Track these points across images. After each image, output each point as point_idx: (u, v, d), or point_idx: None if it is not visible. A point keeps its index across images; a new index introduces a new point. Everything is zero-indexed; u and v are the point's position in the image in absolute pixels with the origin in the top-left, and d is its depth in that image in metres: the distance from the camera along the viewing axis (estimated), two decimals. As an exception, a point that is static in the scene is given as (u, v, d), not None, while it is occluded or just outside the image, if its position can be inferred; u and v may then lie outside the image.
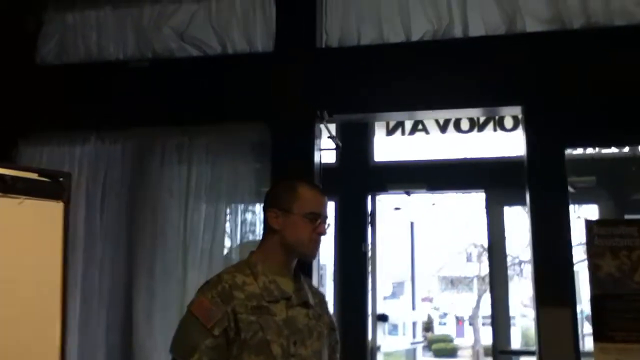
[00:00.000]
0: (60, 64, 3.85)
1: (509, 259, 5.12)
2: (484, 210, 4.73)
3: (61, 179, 2.53)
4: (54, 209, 2.49)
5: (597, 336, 2.91)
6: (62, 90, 3.76)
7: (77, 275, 3.58)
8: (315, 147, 3.33)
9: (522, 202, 3.38)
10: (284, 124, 3.38)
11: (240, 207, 3.58)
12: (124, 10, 3.85)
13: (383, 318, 4.96)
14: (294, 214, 1.94)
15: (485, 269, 20.51)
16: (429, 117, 4.67)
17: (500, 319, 4.68)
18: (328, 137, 3.57)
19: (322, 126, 3.43)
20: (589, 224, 3.00)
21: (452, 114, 4.12)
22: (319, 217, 1.96)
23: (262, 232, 2.06)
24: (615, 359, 2.87)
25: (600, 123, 3.10)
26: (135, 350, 3.45)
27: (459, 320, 24.09)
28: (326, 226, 1.99)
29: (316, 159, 3.37)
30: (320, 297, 2.08)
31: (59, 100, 3.74)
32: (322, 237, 1.99)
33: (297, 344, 1.88)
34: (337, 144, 3.65)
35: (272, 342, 1.83)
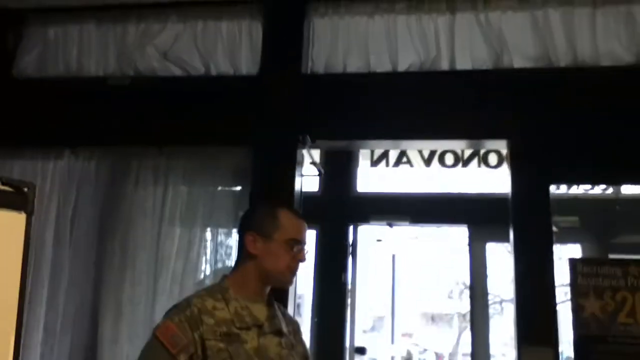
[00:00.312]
0: (38, 77, 3.76)
1: (490, 297, 5.05)
2: (467, 246, 4.67)
3: (25, 190, 2.41)
4: (15, 220, 2.37)
5: (580, 378, 2.83)
6: (39, 103, 3.67)
7: (42, 294, 3.46)
8: (297, 173, 3.26)
9: (505, 239, 3.32)
10: (265, 148, 3.31)
11: (217, 231, 3.47)
12: (107, 26, 3.78)
13: (361, 351, 4.84)
14: (274, 240, 1.87)
15: (466, 306, 20.43)
16: (413, 148, 4.64)
17: (480, 357, 4.59)
18: (310, 163, 3.50)
19: (304, 152, 3.35)
20: (573, 262, 2.94)
21: (436, 145, 4.09)
22: (299, 243, 1.89)
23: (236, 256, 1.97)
24: (598, 404, 2.78)
25: (586, 161, 3.07)
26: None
27: (439, 357, 23.85)
28: (305, 253, 1.92)
29: (297, 185, 3.29)
30: (295, 326, 2.01)
31: (35, 114, 3.64)
32: (300, 265, 1.92)
33: None
34: (319, 170, 3.59)
35: None
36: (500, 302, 12.06)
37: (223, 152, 3.43)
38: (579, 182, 4.01)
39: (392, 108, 3.32)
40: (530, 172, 3.10)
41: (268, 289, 1.92)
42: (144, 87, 3.59)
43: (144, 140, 3.48)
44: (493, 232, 4.41)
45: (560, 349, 4.10)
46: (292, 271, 1.90)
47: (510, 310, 3.23)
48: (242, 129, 3.38)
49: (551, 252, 2.99)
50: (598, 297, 2.83)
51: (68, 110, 3.62)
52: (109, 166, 3.56)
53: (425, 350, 24.43)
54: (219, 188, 3.44)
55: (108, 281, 3.45)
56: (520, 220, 3.08)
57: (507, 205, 3.19)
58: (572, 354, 2.94)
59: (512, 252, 3.07)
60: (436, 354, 24.03)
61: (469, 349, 4.68)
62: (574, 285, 2.90)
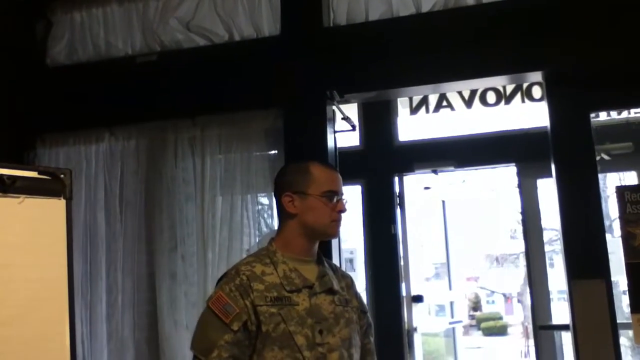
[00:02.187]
0: (71, 63, 3.85)
1: (551, 233, 4.94)
2: (517, 185, 4.56)
3: (62, 176, 2.50)
4: (55, 207, 2.46)
5: (635, 307, 2.75)
6: (74, 89, 3.76)
7: (101, 272, 3.61)
8: (329, 130, 3.23)
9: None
10: (295, 108, 3.30)
11: (256, 196, 3.51)
12: (129, 4, 3.81)
13: (418, 299, 4.86)
14: (310, 195, 1.86)
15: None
16: (445, 91, 4.51)
17: (539, 295, 4.53)
18: (342, 118, 3.46)
19: (335, 108, 3.32)
20: (620, 190, 2.82)
21: (468, 85, 3.95)
22: (336, 194, 1.89)
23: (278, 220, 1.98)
24: (655, 331, 2.71)
25: (626, 83, 2.90)
26: (163, 355, 3.43)
27: (507, 298, 23.71)
28: (345, 202, 1.91)
29: (330, 141, 3.27)
30: (348, 281, 2.01)
31: (71, 100, 3.74)
32: (342, 215, 1.91)
33: (324, 333, 1.80)
34: (352, 125, 3.54)
35: (295, 333, 1.76)
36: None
37: (254, 116, 3.43)
38: (619, 108, 3.82)
39: (420, 51, 3.23)
40: (568, 103, 2.96)
41: (316, 246, 1.92)
42: (171, 61, 3.62)
43: (177, 113, 3.52)
44: (543, 168, 4.31)
45: (615, 280, 4.00)
46: (336, 222, 1.89)
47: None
48: (271, 91, 3.37)
49: (596, 183, 2.88)
50: (649, 224, 2.72)
51: (102, 93, 3.70)
52: (147, 143, 3.63)
53: (492, 292, 24.38)
54: (255, 153, 3.46)
55: (161, 254, 3.55)
56: (561, 152, 2.97)
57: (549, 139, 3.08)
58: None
59: (556, 186, 2.98)
60: (504, 295, 23.95)
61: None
62: (622, 213, 2.80)
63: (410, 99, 5.06)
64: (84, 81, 3.77)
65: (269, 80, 3.39)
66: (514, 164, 4.57)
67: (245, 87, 3.43)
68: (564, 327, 4.94)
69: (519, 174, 4.55)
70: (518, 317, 21.00)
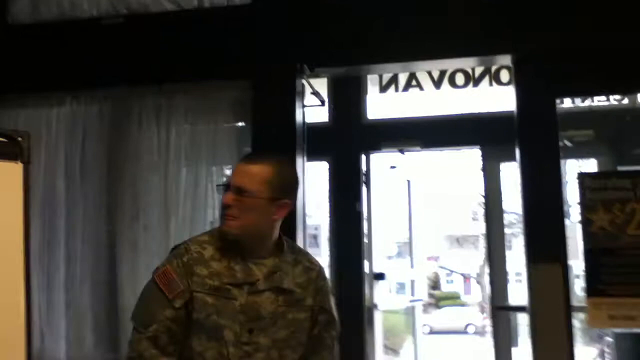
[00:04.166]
0: (33, 22, 3.70)
1: (511, 217, 5.02)
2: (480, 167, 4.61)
3: (19, 139, 2.41)
4: (12, 170, 2.38)
5: (590, 291, 2.83)
6: (36, 50, 3.62)
7: (60, 239, 3.53)
8: (298, 104, 3.20)
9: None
10: (264, 80, 3.25)
11: (222, 169, 3.46)
12: (95, -36, 3.68)
13: (380, 277, 4.90)
14: None
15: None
16: (414, 70, 4.51)
17: (497, 276, 4.62)
18: (311, 92, 3.43)
19: (304, 82, 3.28)
20: (581, 177, 2.88)
21: (438, 64, 3.95)
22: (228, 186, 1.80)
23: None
24: (607, 314, 2.80)
25: (594, 71, 2.94)
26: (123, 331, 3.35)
27: (466, 278, 24.23)
28: (227, 194, 1.78)
29: (298, 116, 3.24)
30: (311, 275, 1.89)
31: (33, 61, 3.60)
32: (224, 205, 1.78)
33: (254, 332, 1.75)
34: (321, 100, 3.51)
35: (226, 327, 1.73)
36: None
37: (222, 87, 3.37)
38: (587, 95, 3.87)
39: (387, 27, 3.20)
40: (535, 87, 2.99)
41: (261, 243, 1.82)
42: (138, 25, 3.52)
43: (143, 80, 3.43)
44: (507, 152, 4.31)
45: (570, 264, 4.11)
46: (223, 216, 1.78)
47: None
48: (240, 61, 3.31)
49: (558, 168, 2.94)
50: (607, 210, 2.78)
51: (65, 55, 3.57)
52: (111, 109, 3.54)
53: (452, 272, 24.89)
54: (221, 125, 3.40)
55: (122, 223, 3.48)
56: (526, 136, 3.01)
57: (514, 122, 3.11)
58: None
59: (519, 169, 3.02)
60: (463, 275, 24.48)
61: (497, 269, 4.68)
62: (582, 200, 2.85)
63: (380, 78, 5.03)
64: (46, 41, 3.63)
65: (238, 50, 3.33)
66: (479, 146, 4.62)
67: (214, 56, 3.36)
68: (521, 309, 5.09)
69: (483, 156, 4.59)
70: (476, 297, 21.51)
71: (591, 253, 2.82)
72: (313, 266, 1.93)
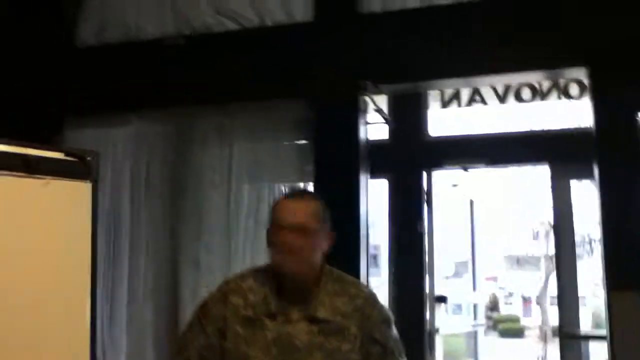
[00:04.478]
0: (100, 44, 3.79)
1: (578, 237, 4.78)
2: (549, 185, 4.41)
3: (88, 158, 2.44)
4: (81, 190, 2.42)
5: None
6: (102, 71, 3.70)
7: (124, 258, 3.56)
8: (360, 121, 3.13)
9: (590, 176, 3.07)
10: (326, 98, 3.20)
11: (285, 186, 3.42)
12: (160, -14, 3.74)
13: (442, 299, 4.73)
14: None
15: (553, 248, 19.71)
16: (482, 85, 4.35)
17: (567, 300, 4.36)
18: (375, 110, 3.35)
19: (367, 99, 3.21)
20: (668, 196, 2.67)
21: (507, 79, 3.80)
22: (278, 225, 1.74)
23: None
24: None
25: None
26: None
27: (526, 301, 23.41)
28: (287, 233, 1.71)
29: (361, 134, 3.17)
30: (358, 303, 1.79)
31: (99, 82, 3.68)
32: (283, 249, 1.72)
33: None
34: (385, 118, 3.43)
35: (255, 358, 1.70)
36: (590, 242, 11.50)
37: (284, 105, 3.35)
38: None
39: (456, 42, 3.10)
40: (614, 101, 2.81)
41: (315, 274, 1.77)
42: (200, 45, 3.55)
43: (205, 99, 3.45)
44: (578, 169, 4.05)
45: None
46: (278, 255, 1.73)
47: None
48: (302, 78, 3.28)
49: (641, 187, 2.74)
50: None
51: (130, 75, 3.63)
52: (174, 128, 3.57)
53: (511, 294, 24.10)
54: (283, 142, 3.37)
55: (184, 241, 3.49)
56: (605, 154, 2.83)
57: (592, 138, 2.94)
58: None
59: (598, 189, 2.84)
60: (523, 297, 23.64)
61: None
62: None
63: (442, 93, 4.92)
64: (112, 63, 3.71)
65: (300, 67, 3.30)
66: (547, 163, 4.44)
67: (276, 75, 3.34)
68: (595, 338, 4.80)
69: (552, 174, 4.40)
70: (536, 320, 20.75)
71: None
72: (360, 293, 1.83)
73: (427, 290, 4.62)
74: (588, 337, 4.25)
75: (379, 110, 3.36)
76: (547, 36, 2.98)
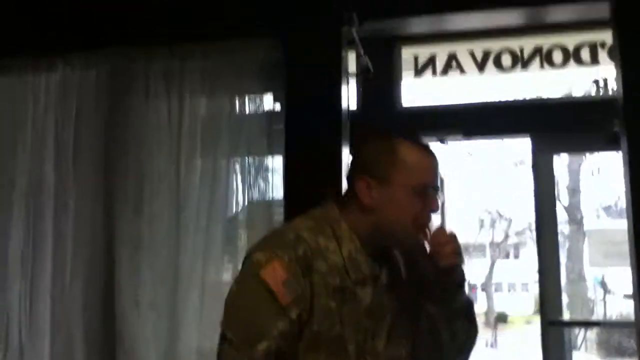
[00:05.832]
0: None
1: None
2: (530, 158, 4.08)
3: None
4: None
5: None
6: (20, 6, 3.03)
7: (47, 237, 2.94)
8: (343, 66, 2.62)
9: (573, 149, 2.72)
10: (301, 36, 2.65)
11: (248, 153, 2.87)
12: None
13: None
14: (395, 185, 1.43)
15: (498, 236, 20.34)
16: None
17: (549, 287, 4.03)
18: (359, 55, 2.83)
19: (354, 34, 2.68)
20: None
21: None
22: (430, 188, 1.45)
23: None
24: None
25: None
26: (121, 341, 2.78)
27: (472, 288, 23.85)
28: (438, 200, 1.48)
29: (344, 89, 2.68)
30: None
31: (17, 20, 3.03)
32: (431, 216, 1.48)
33: (375, 339, 1.44)
34: (368, 68, 2.91)
35: (349, 339, 1.37)
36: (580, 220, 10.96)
37: (247, 46, 2.79)
38: None
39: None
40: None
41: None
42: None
43: (151, 38, 2.86)
44: (560, 142, 3.92)
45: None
46: (420, 227, 1.44)
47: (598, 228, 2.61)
48: (270, 12, 2.72)
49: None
50: None
51: (57, 11, 2.99)
52: (111, 74, 2.95)
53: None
54: (246, 95, 2.82)
55: (121, 216, 2.91)
56: (634, 123, 2.46)
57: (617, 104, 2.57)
58: None
59: (626, 160, 2.50)
60: (469, 284, 24.03)
61: (501, 279, 4.16)
62: None
63: (416, 59, 4.52)
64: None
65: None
66: (528, 135, 4.09)
67: (238, 8, 2.77)
68: (581, 324, 4.51)
69: (533, 147, 4.07)
70: (481, 307, 21.09)
71: None
72: None
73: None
74: (571, 323, 3.97)
75: (360, 56, 2.83)
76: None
